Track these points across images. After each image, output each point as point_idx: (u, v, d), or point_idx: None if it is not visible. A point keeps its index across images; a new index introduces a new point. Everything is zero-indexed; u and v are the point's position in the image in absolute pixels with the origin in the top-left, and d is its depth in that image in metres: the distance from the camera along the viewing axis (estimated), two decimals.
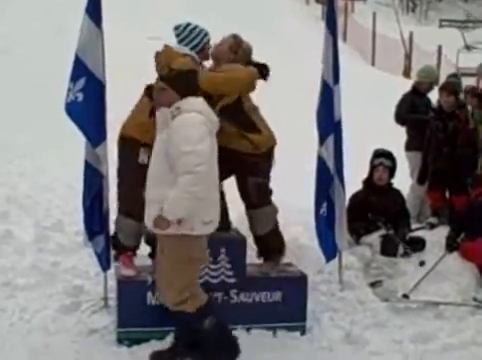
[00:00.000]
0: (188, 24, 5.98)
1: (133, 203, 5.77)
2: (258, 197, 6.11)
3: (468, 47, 24.68)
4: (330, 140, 6.37)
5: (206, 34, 6.00)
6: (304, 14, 27.47)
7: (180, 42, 5.97)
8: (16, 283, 6.28)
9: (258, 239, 6.21)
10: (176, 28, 6.00)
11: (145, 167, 5.70)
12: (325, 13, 7.03)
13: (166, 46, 5.92)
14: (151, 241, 6.08)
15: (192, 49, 5.91)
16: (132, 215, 5.85)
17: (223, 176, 6.09)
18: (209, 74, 5.81)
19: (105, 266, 6.04)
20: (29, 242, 7.07)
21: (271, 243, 6.23)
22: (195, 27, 5.99)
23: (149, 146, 5.56)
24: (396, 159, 7.62)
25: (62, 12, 20.66)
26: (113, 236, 6.07)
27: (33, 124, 12.59)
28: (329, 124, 6.36)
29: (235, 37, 6.07)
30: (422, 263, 6.99)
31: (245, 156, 6.02)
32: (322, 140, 6.42)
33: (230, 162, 5.98)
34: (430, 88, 8.47)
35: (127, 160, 5.81)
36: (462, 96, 8.24)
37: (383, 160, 7.45)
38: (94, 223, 5.95)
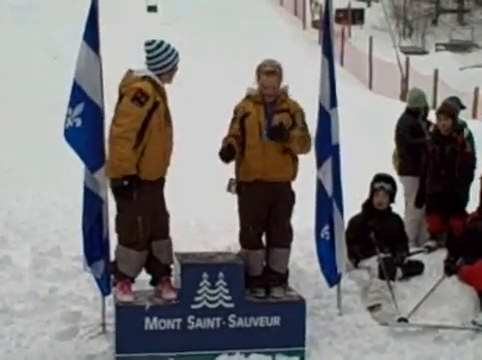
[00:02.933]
0: (162, 42, 5.85)
1: (132, 233, 5.77)
2: (289, 239, 6.26)
3: None
4: (328, 164, 6.38)
5: (177, 55, 5.89)
6: (301, 38, 27.61)
7: (150, 59, 5.81)
8: (13, 309, 6.26)
9: (274, 273, 6.22)
10: (148, 44, 5.84)
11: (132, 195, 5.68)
12: (321, 38, 7.06)
13: (130, 70, 5.87)
14: (151, 270, 6.04)
15: (161, 68, 5.80)
16: (133, 245, 5.81)
17: (262, 216, 6.13)
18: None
19: (105, 291, 6.02)
20: (27, 268, 7.06)
21: (284, 276, 6.30)
22: (168, 46, 5.85)
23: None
24: (396, 184, 7.64)
25: (59, 38, 20.81)
26: (114, 262, 6.01)
27: (31, 149, 12.62)
28: (326, 148, 6.38)
29: (273, 73, 6.07)
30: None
31: (285, 187, 6.17)
32: (320, 164, 6.44)
33: (270, 196, 6.07)
34: (421, 112, 8.47)
35: None
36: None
37: (384, 184, 7.46)
38: (94, 248, 5.94)
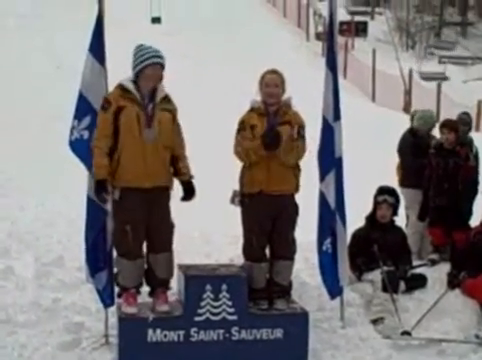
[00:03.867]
0: (140, 45, 5.85)
1: (121, 242, 5.78)
2: (292, 252, 6.25)
3: None
4: (331, 176, 6.39)
5: (146, 59, 5.72)
6: (304, 50, 27.67)
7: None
8: (16, 319, 6.25)
9: (277, 285, 6.22)
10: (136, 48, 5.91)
11: (120, 204, 5.71)
12: (325, 50, 7.09)
13: None
14: (149, 281, 6.04)
15: (134, 70, 5.79)
16: (124, 255, 5.81)
17: (265, 228, 6.12)
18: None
19: (107, 303, 6.02)
20: (30, 278, 7.06)
21: (287, 288, 6.31)
22: (141, 49, 5.80)
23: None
24: (400, 196, 7.63)
25: (63, 47, 20.88)
26: (116, 274, 6.02)
27: (33, 157, 12.64)
28: (330, 161, 6.39)
29: (276, 72, 6.15)
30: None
31: (289, 199, 6.15)
32: (323, 177, 6.44)
33: (273, 208, 6.07)
34: (428, 132, 8.45)
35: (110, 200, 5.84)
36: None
37: (387, 197, 7.46)
38: (97, 260, 5.94)
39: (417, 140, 8.33)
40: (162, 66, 5.80)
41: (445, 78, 26.49)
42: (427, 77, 25.60)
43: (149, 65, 5.73)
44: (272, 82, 6.10)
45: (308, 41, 29.81)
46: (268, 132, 5.99)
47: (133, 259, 5.81)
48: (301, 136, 6.13)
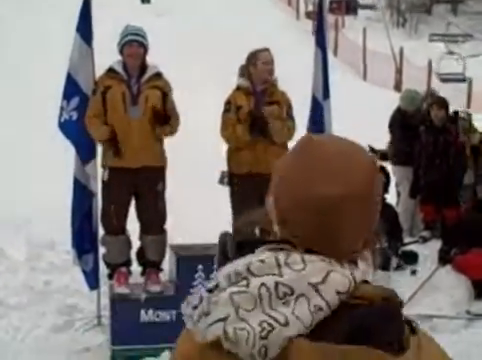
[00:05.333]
0: (125, 25, 5.93)
1: (105, 218, 5.85)
2: None
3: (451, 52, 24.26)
4: None
5: (122, 38, 5.79)
6: (294, 29, 27.56)
7: None
8: (8, 302, 6.26)
9: None
10: None
11: (107, 184, 5.75)
12: (315, 28, 7.06)
13: None
14: (140, 261, 6.05)
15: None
16: (107, 231, 5.89)
17: (254, 208, 6.08)
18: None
19: (93, 285, 6.03)
20: (21, 261, 7.05)
21: None
22: (123, 29, 5.88)
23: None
24: (390, 174, 7.64)
25: (49, 28, 20.76)
26: (104, 254, 6.04)
27: (23, 140, 12.59)
28: None
29: (268, 50, 6.13)
30: (414, 272, 6.99)
31: None
32: None
33: (263, 189, 6.00)
34: (416, 113, 8.42)
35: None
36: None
37: None
38: (84, 241, 5.96)
39: (406, 118, 8.33)
40: (140, 43, 5.77)
41: (465, 79, 25.29)
42: (447, 79, 23.46)
43: (125, 43, 5.76)
44: (269, 59, 6.09)
45: (298, 20, 29.71)
46: (255, 122, 5.98)
47: (115, 235, 5.86)
48: (290, 116, 6.12)
